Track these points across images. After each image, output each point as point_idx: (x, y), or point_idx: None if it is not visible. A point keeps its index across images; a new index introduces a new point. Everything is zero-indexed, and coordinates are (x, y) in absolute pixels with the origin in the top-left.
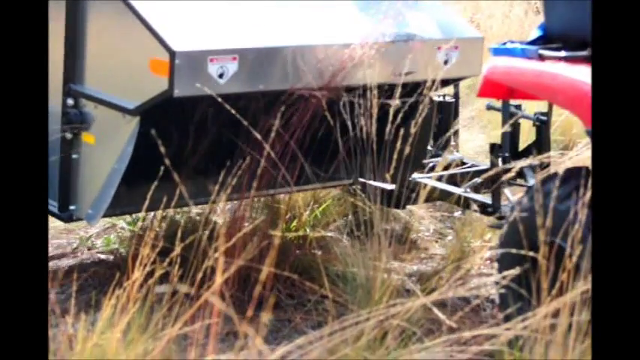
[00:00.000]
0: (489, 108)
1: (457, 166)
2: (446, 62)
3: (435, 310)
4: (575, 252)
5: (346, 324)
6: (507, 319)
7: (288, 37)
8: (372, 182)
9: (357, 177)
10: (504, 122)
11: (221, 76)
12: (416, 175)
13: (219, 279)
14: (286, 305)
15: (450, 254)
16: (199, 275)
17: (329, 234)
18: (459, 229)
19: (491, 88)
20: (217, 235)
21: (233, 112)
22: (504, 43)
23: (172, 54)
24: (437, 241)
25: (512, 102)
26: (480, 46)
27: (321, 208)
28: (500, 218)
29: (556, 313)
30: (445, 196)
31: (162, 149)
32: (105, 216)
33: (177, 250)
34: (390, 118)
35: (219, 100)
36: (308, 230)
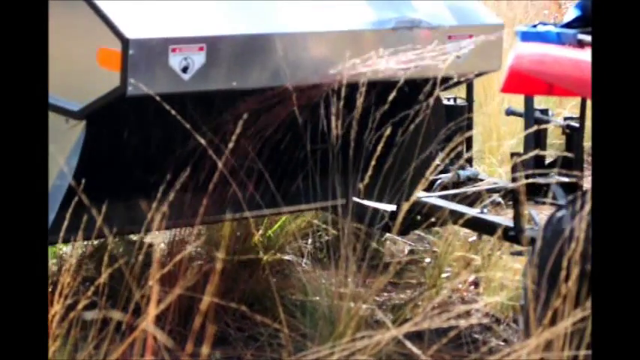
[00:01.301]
0: (509, 113)
1: (470, 183)
2: (458, 54)
3: (408, 344)
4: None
5: None
6: (491, 352)
7: (267, 24)
8: (369, 203)
9: (351, 196)
10: (527, 128)
11: (185, 70)
12: (421, 194)
13: (152, 310)
14: (235, 340)
15: (427, 279)
16: (132, 306)
17: (286, 257)
18: (439, 249)
19: (519, 81)
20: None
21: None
22: (535, 25)
23: (125, 42)
24: (413, 264)
25: (537, 106)
26: (500, 34)
27: (275, 227)
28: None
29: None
30: (457, 218)
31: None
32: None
33: (104, 276)
34: (387, 125)
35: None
36: (260, 253)
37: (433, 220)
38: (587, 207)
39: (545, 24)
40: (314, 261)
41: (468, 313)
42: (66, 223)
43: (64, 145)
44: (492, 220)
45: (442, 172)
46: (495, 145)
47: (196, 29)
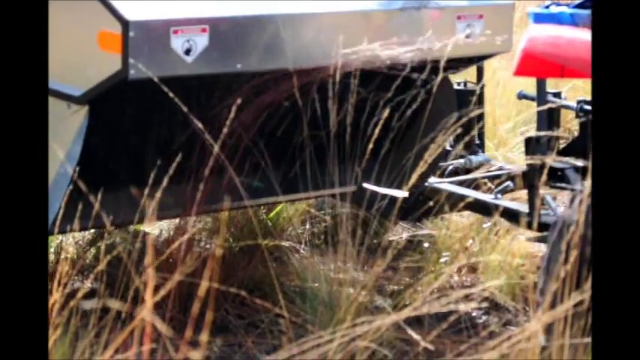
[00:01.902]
0: (522, 97)
1: (482, 168)
2: (468, 35)
3: (409, 330)
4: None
5: (306, 347)
6: (491, 336)
7: (272, 5)
8: (380, 189)
9: (361, 182)
10: (540, 111)
11: (188, 52)
12: (433, 180)
13: (149, 297)
14: (235, 327)
15: (425, 264)
16: (131, 293)
17: (284, 243)
18: (436, 234)
19: (532, 64)
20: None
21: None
22: (547, 7)
23: (125, 24)
24: (411, 249)
25: (549, 89)
26: (510, 14)
27: (273, 213)
28: (541, 229)
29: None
30: (470, 204)
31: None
32: (56, 232)
33: (103, 264)
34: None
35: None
36: (259, 239)
37: (445, 206)
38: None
39: (558, 4)
40: (312, 247)
41: (467, 297)
42: (61, 212)
43: (66, 132)
44: (506, 206)
45: (453, 158)
46: (491, 128)
47: (199, 10)
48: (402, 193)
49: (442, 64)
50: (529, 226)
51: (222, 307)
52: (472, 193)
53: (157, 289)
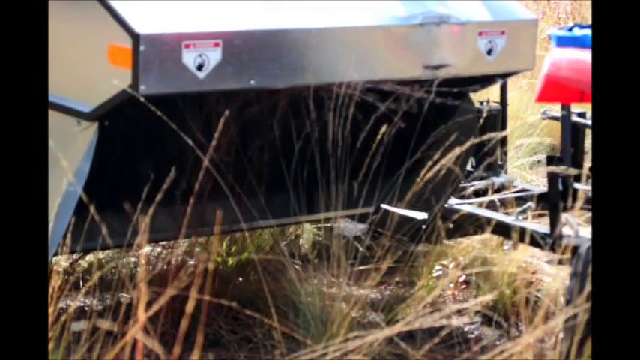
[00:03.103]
0: (546, 117)
1: (504, 189)
2: (490, 52)
3: (401, 344)
4: None
5: None
6: (483, 351)
7: (287, 19)
8: (400, 211)
9: (379, 203)
10: (564, 135)
11: (200, 67)
12: (453, 202)
13: (141, 312)
14: (228, 342)
15: (418, 278)
16: (123, 308)
17: (277, 258)
18: (428, 249)
19: (556, 90)
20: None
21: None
22: (570, 29)
23: (136, 38)
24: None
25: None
26: (534, 31)
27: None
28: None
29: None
30: (490, 225)
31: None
32: (68, 252)
33: (95, 278)
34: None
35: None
36: (252, 254)
37: (466, 228)
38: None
39: (581, 27)
40: (305, 261)
41: (459, 312)
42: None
43: (75, 149)
44: (528, 228)
45: (474, 178)
46: None
47: (212, 24)
48: (421, 215)
49: (462, 81)
50: (551, 248)
51: (215, 321)
52: (493, 215)
53: (149, 304)
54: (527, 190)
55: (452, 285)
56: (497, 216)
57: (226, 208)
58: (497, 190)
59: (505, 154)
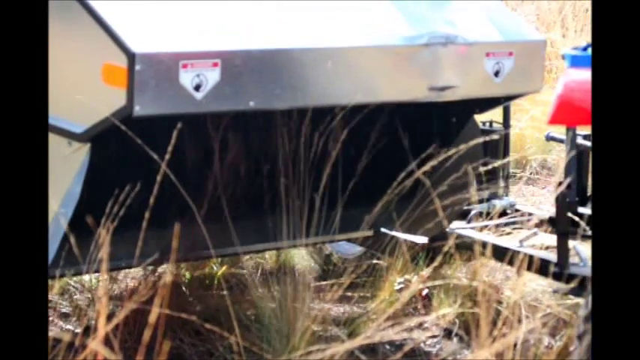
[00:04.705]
0: (550, 139)
1: (507, 214)
2: (497, 74)
3: (362, 357)
4: None
5: None
6: None
7: (288, 38)
8: (400, 234)
9: (380, 227)
10: (569, 157)
11: (198, 88)
12: (455, 226)
13: (102, 326)
14: (190, 356)
15: (379, 292)
16: (84, 321)
17: (240, 271)
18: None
19: (570, 112)
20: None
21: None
22: (585, 48)
23: (131, 57)
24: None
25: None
26: (542, 52)
27: None
28: (569, 280)
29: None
30: (493, 251)
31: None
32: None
33: (55, 290)
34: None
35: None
36: (214, 267)
37: (467, 252)
38: None
39: None
40: (267, 275)
41: (420, 326)
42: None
43: (66, 171)
44: (532, 254)
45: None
46: None
47: (210, 43)
48: (422, 239)
49: (467, 103)
50: (557, 277)
51: (177, 335)
52: (495, 240)
53: (110, 317)
54: (530, 214)
55: (414, 299)
56: (500, 241)
57: (219, 230)
58: (500, 214)
59: (507, 176)
